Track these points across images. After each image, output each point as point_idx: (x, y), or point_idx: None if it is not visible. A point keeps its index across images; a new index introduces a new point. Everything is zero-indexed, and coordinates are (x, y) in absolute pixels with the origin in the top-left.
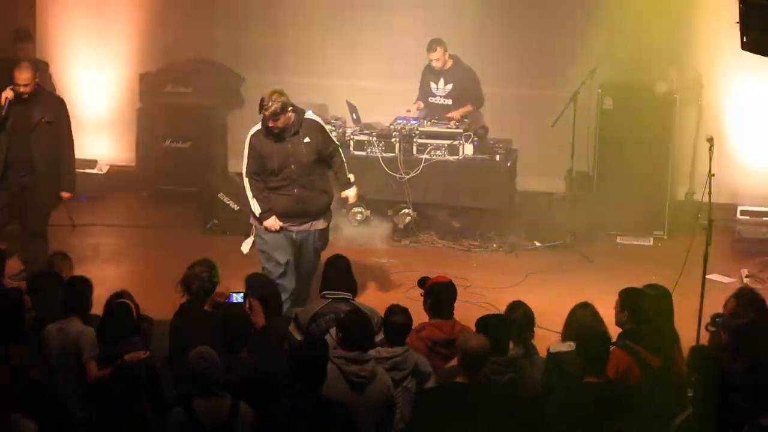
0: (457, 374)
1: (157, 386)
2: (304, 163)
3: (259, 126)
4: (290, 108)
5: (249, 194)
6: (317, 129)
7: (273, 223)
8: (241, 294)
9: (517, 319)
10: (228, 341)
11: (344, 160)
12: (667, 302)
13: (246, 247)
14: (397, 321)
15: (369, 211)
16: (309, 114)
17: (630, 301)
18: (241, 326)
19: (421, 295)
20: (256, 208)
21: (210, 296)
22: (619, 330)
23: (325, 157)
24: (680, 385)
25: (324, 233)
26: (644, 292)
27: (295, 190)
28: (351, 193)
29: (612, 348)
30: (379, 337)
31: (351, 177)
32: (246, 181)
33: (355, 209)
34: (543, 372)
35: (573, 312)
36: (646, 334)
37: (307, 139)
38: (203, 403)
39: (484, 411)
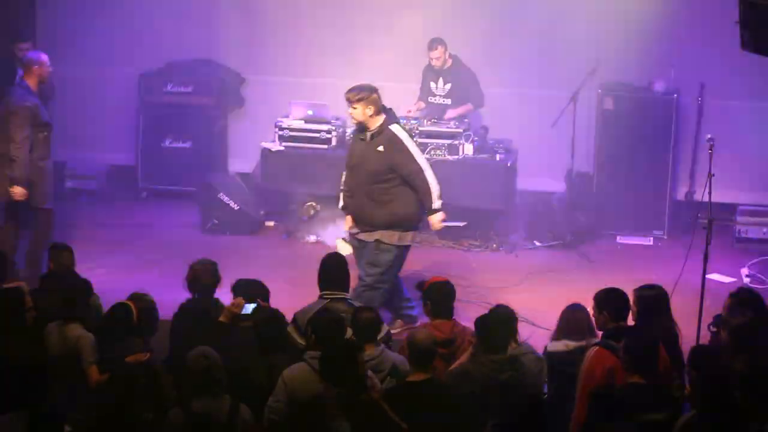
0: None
1: (157, 387)
2: (370, 171)
3: None
4: (371, 105)
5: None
6: (393, 141)
7: (347, 221)
8: (253, 305)
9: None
10: (264, 344)
11: (429, 184)
12: (665, 303)
13: (343, 247)
14: (363, 318)
15: None
16: (394, 126)
17: (604, 302)
18: (277, 328)
19: (420, 299)
20: (339, 202)
21: (212, 296)
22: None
23: (402, 176)
24: (668, 387)
25: (381, 247)
26: (617, 291)
27: (356, 196)
28: (434, 219)
29: (596, 348)
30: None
31: (437, 203)
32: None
33: None
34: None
35: (567, 314)
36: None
37: (380, 148)
38: (202, 403)
39: (439, 407)
